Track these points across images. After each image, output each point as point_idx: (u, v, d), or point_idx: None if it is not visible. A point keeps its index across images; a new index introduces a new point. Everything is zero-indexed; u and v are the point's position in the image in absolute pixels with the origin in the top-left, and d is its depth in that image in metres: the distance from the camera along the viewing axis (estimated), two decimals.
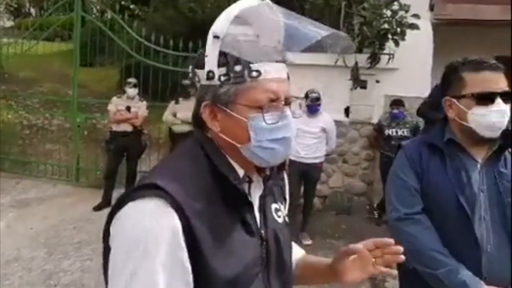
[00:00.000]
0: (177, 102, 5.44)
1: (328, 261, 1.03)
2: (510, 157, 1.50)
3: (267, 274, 0.92)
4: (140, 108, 5.49)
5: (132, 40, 6.42)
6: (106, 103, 5.96)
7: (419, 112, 4.39)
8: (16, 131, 7.66)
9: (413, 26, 4.92)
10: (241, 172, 0.90)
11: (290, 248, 1.04)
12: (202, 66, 0.87)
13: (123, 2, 11.86)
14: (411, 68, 5.17)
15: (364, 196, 5.71)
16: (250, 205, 0.90)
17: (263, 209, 0.95)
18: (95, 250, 4.05)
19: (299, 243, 4.52)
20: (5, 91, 8.24)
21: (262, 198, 0.96)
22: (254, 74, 0.84)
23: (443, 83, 1.55)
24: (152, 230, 0.76)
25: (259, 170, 0.96)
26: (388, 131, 5.02)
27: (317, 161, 4.62)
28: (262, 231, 0.92)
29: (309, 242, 4.68)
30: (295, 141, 3.87)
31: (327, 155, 4.88)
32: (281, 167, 1.00)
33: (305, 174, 4.59)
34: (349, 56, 5.20)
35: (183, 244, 0.78)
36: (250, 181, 0.93)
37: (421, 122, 4.77)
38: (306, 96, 4.56)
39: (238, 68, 0.84)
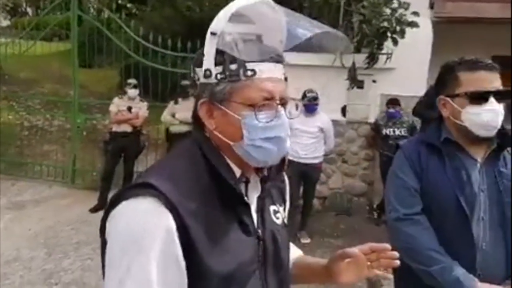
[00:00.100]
0: (176, 103, 5.44)
1: (324, 262, 1.05)
2: (509, 156, 1.50)
3: (264, 272, 0.93)
4: (141, 108, 5.51)
5: (129, 40, 6.40)
6: (106, 103, 5.96)
7: (415, 111, 4.40)
8: (16, 132, 7.63)
9: (413, 24, 4.91)
10: (238, 172, 0.91)
11: (288, 248, 1.05)
12: (201, 65, 0.88)
13: (119, 1, 11.83)
14: (408, 67, 5.17)
15: (364, 196, 5.71)
16: (247, 205, 0.90)
17: (261, 210, 0.95)
18: (95, 249, 4.05)
19: (298, 242, 4.56)
20: (6, 92, 8.22)
21: (260, 199, 0.96)
22: (249, 73, 0.85)
23: (438, 82, 1.56)
24: (147, 228, 0.77)
25: (257, 170, 0.96)
26: (385, 131, 5.03)
27: (316, 161, 4.62)
28: (259, 231, 0.93)
29: (307, 240, 4.69)
30: (293, 141, 3.87)
31: (325, 155, 4.88)
32: (279, 168, 1.00)
33: (304, 175, 4.59)
34: (347, 56, 5.21)
35: (178, 242, 0.79)
36: (247, 182, 0.93)
37: (417, 121, 4.78)
38: (304, 96, 4.56)
39: (233, 66, 0.85)
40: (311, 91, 4.58)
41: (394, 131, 4.98)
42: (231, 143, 0.88)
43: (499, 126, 1.43)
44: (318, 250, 4.42)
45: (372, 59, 5.21)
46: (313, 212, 5.15)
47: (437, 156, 1.51)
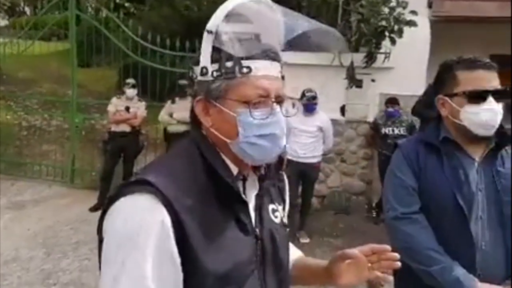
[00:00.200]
0: (173, 102, 5.43)
1: (324, 264, 1.04)
2: (507, 155, 1.50)
3: (263, 272, 0.92)
4: (139, 108, 5.50)
5: (128, 39, 6.39)
6: (105, 103, 5.96)
7: (414, 111, 4.40)
8: (14, 132, 7.63)
9: (411, 23, 4.91)
10: (235, 169, 0.91)
11: (287, 248, 1.04)
12: (198, 63, 0.89)
13: (117, 0, 11.83)
14: (407, 66, 5.17)
15: (362, 195, 5.72)
16: (245, 203, 0.90)
17: (259, 208, 0.95)
18: (93, 249, 4.04)
19: (297, 241, 4.56)
20: (4, 91, 8.21)
21: (259, 197, 0.96)
22: (245, 70, 0.85)
23: (437, 81, 1.56)
24: (142, 224, 0.78)
25: (255, 168, 0.96)
26: (384, 130, 5.03)
27: (314, 160, 4.62)
28: (257, 230, 0.92)
29: (306, 240, 4.69)
30: (292, 141, 3.87)
31: (324, 154, 4.88)
32: (278, 167, 1.00)
33: (303, 174, 4.59)
34: (345, 56, 5.21)
35: (173, 238, 0.79)
36: (244, 179, 0.93)
37: (416, 120, 4.78)
38: (303, 95, 4.56)
39: (229, 64, 0.85)
40: (310, 90, 4.58)
41: (393, 130, 4.98)
42: (227, 140, 0.88)
43: (497, 125, 1.43)
44: (318, 249, 4.42)
45: (371, 58, 5.21)
46: (312, 211, 5.16)
47: (435, 155, 1.51)
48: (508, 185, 1.44)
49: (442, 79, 1.52)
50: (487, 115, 1.40)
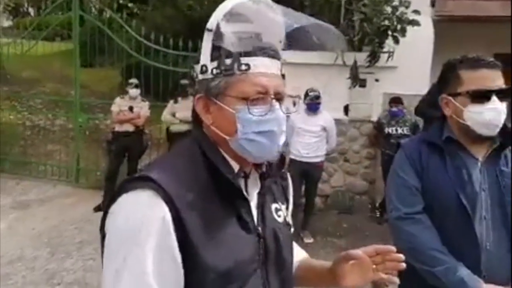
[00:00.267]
0: (175, 102, 5.45)
1: (329, 265, 1.02)
2: (510, 155, 1.49)
3: (266, 272, 0.92)
4: (143, 108, 5.52)
5: (131, 39, 6.42)
6: (108, 103, 5.98)
7: (417, 110, 4.38)
8: (18, 131, 7.67)
9: (414, 22, 4.90)
10: (236, 167, 0.91)
11: (291, 248, 1.04)
12: (199, 62, 0.90)
13: (121, 1, 11.85)
14: (410, 66, 5.16)
15: (366, 195, 5.71)
16: (246, 201, 0.90)
17: (261, 207, 0.95)
18: (97, 249, 4.03)
19: (301, 242, 4.56)
20: (8, 92, 8.26)
21: (261, 195, 0.96)
22: (244, 67, 0.85)
23: (441, 80, 1.55)
24: (143, 220, 0.78)
25: (256, 166, 0.96)
26: (388, 129, 5.02)
27: (318, 160, 4.62)
28: (259, 228, 0.92)
29: (310, 240, 4.69)
30: (295, 140, 3.87)
31: (327, 154, 4.87)
32: (279, 165, 1.00)
33: (306, 174, 4.58)
34: (348, 55, 5.20)
35: (173, 234, 0.79)
36: (246, 177, 0.93)
37: (420, 120, 4.75)
38: (306, 95, 4.56)
39: (228, 61, 0.86)
40: (313, 90, 4.58)
41: (396, 130, 4.97)
42: (227, 137, 0.88)
43: (501, 125, 1.42)
44: (321, 250, 4.42)
45: (374, 57, 5.20)
46: (315, 211, 5.16)
47: (438, 155, 1.50)
48: (510, 185, 1.44)
49: (446, 78, 1.51)
50: (490, 115, 1.39)
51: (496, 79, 1.41)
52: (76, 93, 6.79)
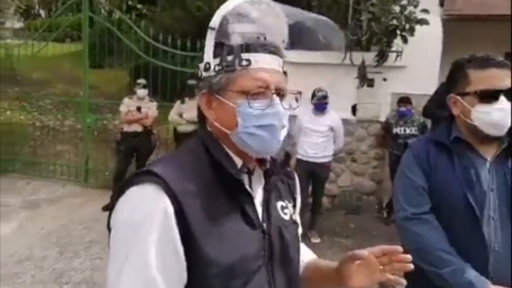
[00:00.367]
0: (182, 102, 5.46)
1: (335, 265, 1.01)
2: None
3: (271, 269, 0.92)
4: (151, 108, 5.55)
5: (140, 40, 6.46)
6: (117, 104, 6.03)
7: (425, 110, 4.35)
8: (28, 132, 7.77)
9: (422, 22, 4.86)
10: (239, 162, 0.92)
11: (298, 246, 1.03)
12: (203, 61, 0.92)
13: (130, 2, 11.94)
14: (419, 65, 5.12)
15: (373, 195, 5.68)
16: (250, 196, 0.91)
17: (266, 203, 0.95)
18: (105, 249, 4.08)
19: (308, 241, 4.55)
20: (18, 92, 8.36)
21: (266, 192, 0.96)
22: (244, 63, 0.87)
23: (449, 80, 1.54)
24: (146, 214, 0.80)
25: (260, 163, 0.97)
26: (396, 130, 4.98)
27: (325, 160, 4.60)
28: (264, 225, 0.92)
29: (317, 240, 4.68)
30: (302, 140, 3.86)
31: (335, 154, 4.85)
32: (284, 163, 1.01)
33: (313, 174, 4.57)
34: (356, 54, 5.17)
35: (175, 227, 0.80)
36: (249, 173, 0.94)
37: (428, 120, 4.73)
38: (314, 95, 4.55)
39: (230, 58, 0.88)
40: (320, 90, 4.56)
41: (404, 130, 4.93)
42: (228, 131, 0.89)
43: (509, 125, 1.40)
44: (328, 250, 4.40)
45: (382, 57, 5.17)
46: (322, 211, 5.15)
47: (446, 155, 1.49)
48: None
49: (454, 78, 1.50)
50: (498, 115, 1.37)
51: (505, 79, 1.38)
52: (84, 94, 6.85)
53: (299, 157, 4.61)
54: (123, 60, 6.96)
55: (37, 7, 21.81)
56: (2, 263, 3.83)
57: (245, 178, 0.92)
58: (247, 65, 0.87)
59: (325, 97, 4.53)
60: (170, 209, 0.80)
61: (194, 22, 9.81)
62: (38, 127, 8.01)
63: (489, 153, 1.46)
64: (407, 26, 4.94)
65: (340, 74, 5.36)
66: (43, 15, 20.99)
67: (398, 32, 5.01)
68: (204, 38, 0.90)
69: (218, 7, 0.91)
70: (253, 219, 0.90)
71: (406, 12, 4.95)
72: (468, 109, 1.43)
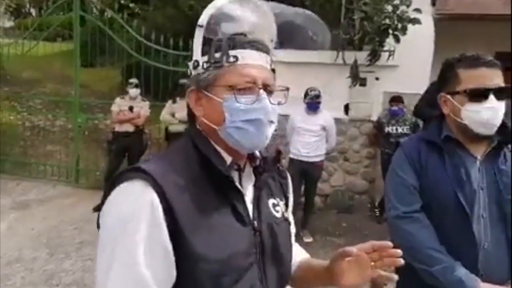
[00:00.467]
0: (174, 102, 5.44)
1: (326, 263, 1.01)
2: (509, 154, 1.48)
3: (263, 266, 0.91)
4: (143, 108, 5.53)
5: (132, 39, 6.43)
6: (108, 103, 5.99)
7: (416, 110, 4.35)
8: (18, 132, 7.69)
9: (415, 21, 4.88)
10: (228, 159, 0.92)
11: (290, 244, 1.03)
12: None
13: (122, 1, 11.85)
14: (411, 64, 5.13)
15: (365, 194, 5.69)
16: (240, 193, 0.91)
17: (257, 201, 0.95)
18: (96, 250, 4.05)
19: (300, 241, 4.54)
20: (8, 92, 8.27)
21: (257, 190, 0.96)
22: (232, 59, 0.88)
23: (440, 79, 1.54)
24: (133, 210, 0.80)
25: (250, 160, 0.97)
26: (387, 129, 5.00)
27: (317, 159, 4.60)
28: (255, 222, 0.92)
29: (310, 239, 4.68)
30: (295, 140, 3.86)
31: (327, 153, 4.86)
32: (275, 160, 1.01)
33: (306, 173, 4.57)
34: (349, 54, 5.18)
35: (163, 222, 0.80)
36: (239, 170, 0.94)
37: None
38: (306, 94, 4.55)
39: (217, 55, 0.89)
40: (313, 89, 4.57)
41: (396, 129, 4.95)
42: (216, 127, 0.90)
43: (499, 124, 1.40)
44: (321, 250, 4.41)
45: (374, 56, 5.18)
46: (314, 210, 5.16)
47: (437, 154, 1.49)
48: (509, 184, 1.42)
49: (445, 77, 1.51)
50: (488, 114, 1.38)
51: (494, 78, 1.39)
52: (75, 93, 6.80)
53: (291, 156, 4.61)
54: (115, 59, 6.91)
55: (27, 5, 21.60)
56: None
57: (235, 175, 0.92)
58: (234, 62, 0.88)
59: (317, 96, 4.53)
60: (158, 204, 0.80)
61: (186, 21, 9.76)
62: (28, 127, 7.94)
63: (479, 151, 1.47)
64: (400, 25, 4.96)
65: (333, 73, 5.37)
66: (34, 14, 20.80)
67: (391, 31, 5.03)
68: None
69: None
70: (243, 215, 0.90)
71: (398, 12, 4.97)
72: (458, 108, 1.43)
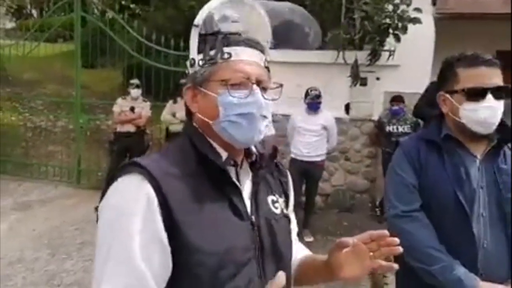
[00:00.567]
0: (175, 102, 5.45)
1: (325, 258, 1.00)
2: (509, 153, 1.48)
3: (262, 262, 0.91)
4: (144, 108, 5.54)
5: (133, 40, 6.44)
6: (109, 104, 6.01)
7: (416, 109, 4.34)
8: (20, 133, 7.70)
9: (415, 20, 4.87)
10: (224, 154, 0.93)
11: (290, 240, 1.03)
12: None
13: (123, 2, 11.87)
14: (411, 64, 5.13)
15: (366, 193, 5.69)
16: (238, 189, 0.92)
17: (255, 196, 0.96)
18: None
19: (302, 240, 4.52)
20: (10, 93, 8.29)
21: (254, 185, 0.97)
22: (226, 55, 0.91)
23: (439, 78, 1.54)
24: (129, 203, 0.81)
25: (246, 156, 0.99)
26: (388, 128, 4.99)
27: (318, 159, 4.60)
28: (253, 217, 0.92)
29: (310, 239, 4.67)
30: (296, 139, 3.86)
31: (328, 153, 4.86)
32: (272, 156, 1.02)
33: (307, 173, 4.57)
34: (349, 53, 5.18)
35: (159, 215, 0.81)
36: (236, 165, 0.95)
37: None
38: (307, 94, 4.55)
39: (212, 52, 0.92)
40: (314, 89, 4.56)
41: (397, 128, 4.95)
42: (210, 122, 0.92)
43: (497, 123, 1.40)
44: (322, 249, 4.34)
45: (375, 56, 5.18)
46: (315, 210, 5.16)
47: (436, 153, 1.49)
48: (509, 182, 1.42)
49: (444, 76, 1.51)
50: (485, 113, 1.38)
51: (493, 77, 1.39)
52: (77, 94, 6.81)
53: (292, 156, 4.61)
54: (116, 60, 6.93)
55: (29, 7, 21.61)
56: None
57: (232, 171, 0.93)
58: (228, 58, 0.91)
59: (318, 96, 4.53)
60: (153, 197, 0.81)
61: (187, 22, 9.74)
62: (29, 128, 7.95)
63: (479, 150, 1.47)
64: (400, 24, 4.95)
65: (333, 73, 5.36)
66: (35, 15, 20.80)
67: (391, 30, 5.02)
68: None
69: None
70: (241, 210, 0.90)
71: (399, 11, 4.97)
72: (456, 107, 1.43)
